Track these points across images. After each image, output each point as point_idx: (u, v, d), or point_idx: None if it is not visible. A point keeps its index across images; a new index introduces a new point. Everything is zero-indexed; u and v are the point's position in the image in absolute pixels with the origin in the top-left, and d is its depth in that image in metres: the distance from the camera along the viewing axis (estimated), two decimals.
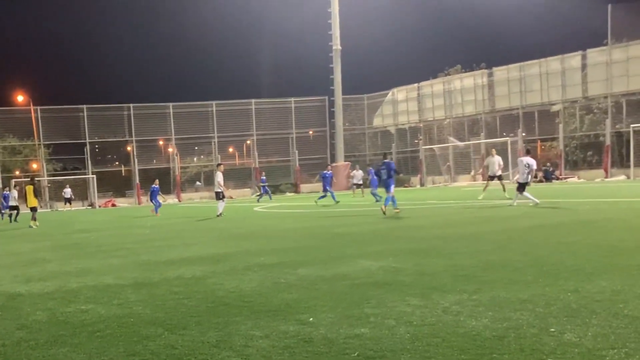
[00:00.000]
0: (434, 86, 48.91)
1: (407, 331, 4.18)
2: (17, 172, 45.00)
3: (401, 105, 50.68)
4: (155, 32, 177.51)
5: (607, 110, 37.78)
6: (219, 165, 21.45)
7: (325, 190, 24.71)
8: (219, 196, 20.11)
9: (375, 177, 25.30)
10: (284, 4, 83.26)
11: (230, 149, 53.76)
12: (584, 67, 39.38)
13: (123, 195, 49.13)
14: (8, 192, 27.97)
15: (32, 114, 44.87)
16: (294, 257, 8.33)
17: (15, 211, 25.73)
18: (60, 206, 42.14)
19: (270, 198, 33.93)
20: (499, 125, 44.11)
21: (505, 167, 22.79)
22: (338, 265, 7.33)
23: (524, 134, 41.01)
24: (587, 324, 4.12)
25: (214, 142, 48.54)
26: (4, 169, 44.57)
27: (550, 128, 41.16)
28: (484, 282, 5.76)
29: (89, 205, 44.26)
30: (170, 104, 47.65)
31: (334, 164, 42.47)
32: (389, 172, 16.24)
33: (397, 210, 15.88)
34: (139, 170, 46.08)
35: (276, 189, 44.10)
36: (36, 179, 32.08)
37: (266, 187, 34.25)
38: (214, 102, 48.51)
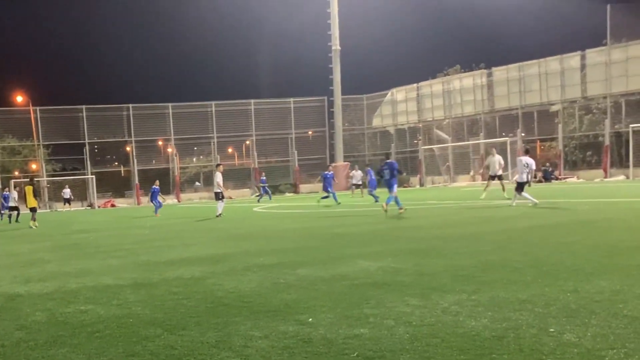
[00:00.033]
0: (433, 86, 48.91)
1: (407, 331, 4.18)
2: (17, 173, 44.97)
3: (400, 106, 50.69)
4: (154, 32, 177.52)
5: (606, 111, 37.80)
6: (218, 165, 21.43)
7: (326, 190, 24.63)
8: (219, 196, 20.10)
9: (373, 178, 25.29)
10: (283, 4, 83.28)
11: (230, 150, 53.78)
12: (583, 67, 39.40)
13: (122, 195, 49.14)
14: (8, 193, 27.99)
15: (32, 114, 44.89)
16: (293, 258, 8.33)
17: (16, 212, 25.76)
18: (60, 206, 42.14)
19: (270, 198, 33.94)
20: (498, 126, 44.12)
21: (505, 167, 22.80)
22: (337, 266, 7.33)
23: (523, 134, 41.03)
24: (586, 324, 4.12)
25: (214, 142, 48.54)
26: (4, 170, 44.53)
27: (549, 128, 41.19)
28: (483, 282, 5.76)
29: (88, 206, 44.24)
30: (170, 104, 47.64)
31: (333, 164, 42.46)
32: (391, 172, 16.22)
33: (402, 211, 15.80)
34: (138, 170, 46.08)
35: (275, 189, 44.10)
36: (35, 179, 32.06)
37: (266, 188, 34.27)
38: (213, 103, 48.52)
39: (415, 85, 49.91)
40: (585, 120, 39.91)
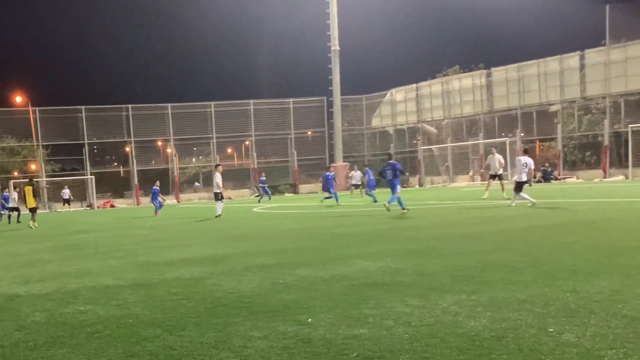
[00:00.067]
0: (433, 86, 48.94)
1: (406, 331, 4.19)
2: (16, 173, 44.93)
3: (399, 106, 50.71)
4: (154, 32, 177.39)
5: (606, 111, 37.83)
6: (217, 166, 21.40)
7: (328, 191, 24.57)
8: (218, 197, 20.10)
9: (372, 178, 25.29)
10: (283, 4, 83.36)
11: (229, 150, 53.80)
12: (582, 67, 39.43)
13: (122, 196, 49.15)
14: (8, 194, 28.00)
15: (31, 114, 44.87)
16: (293, 258, 8.33)
17: (16, 212, 25.79)
18: (59, 207, 42.13)
19: (270, 199, 33.94)
20: (497, 126, 44.14)
21: (504, 167, 22.80)
22: (337, 266, 7.33)
23: (522, 134, 41.05)
24: (585, 324, 4.12)
25: (213, 142, 48.53)
26: (3, 170, 44.52)
27: (548, 128, 41.21)
28: (482, 282, 5.76)
29: (88, 206, 44.23)
30: (169, 105, 47.62)
31: (333, 165, 42.46)
32: (394, 173, 16.21)
33: (405, 211, 15.76)
34: (138, 171, 46.07)
35: (275, 190, 44.10)
36: (35, 180, 32.05)
37: (266, 188, 34.27)
38: (212, 103, 48.51)
39: (414, 85, 49.94)
40: (584, 120, 39.94)
